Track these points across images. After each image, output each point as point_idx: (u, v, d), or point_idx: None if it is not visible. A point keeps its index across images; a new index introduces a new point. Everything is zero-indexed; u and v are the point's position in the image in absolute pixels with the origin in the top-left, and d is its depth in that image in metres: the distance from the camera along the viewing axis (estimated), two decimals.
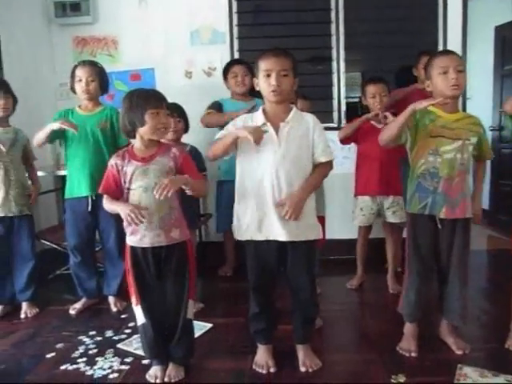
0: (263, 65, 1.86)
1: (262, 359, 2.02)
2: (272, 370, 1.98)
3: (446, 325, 2.17)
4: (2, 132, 2.67)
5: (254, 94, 3.25)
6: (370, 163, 2.87)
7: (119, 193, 1.91)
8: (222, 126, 3.15)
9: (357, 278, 3.05)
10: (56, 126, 2.52)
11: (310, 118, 1.94)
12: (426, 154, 2.02)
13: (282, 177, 1.86)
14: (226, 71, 3.26)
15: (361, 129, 2.88)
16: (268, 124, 1.88)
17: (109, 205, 1.91)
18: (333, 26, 3.61)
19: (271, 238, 1.90)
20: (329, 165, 1.97)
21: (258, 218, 1.90)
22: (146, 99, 1.86)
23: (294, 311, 2.03)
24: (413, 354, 2.07)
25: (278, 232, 1.89)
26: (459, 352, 2.08)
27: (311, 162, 1.92)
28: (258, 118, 1.92)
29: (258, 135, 1.79)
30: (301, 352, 2.04)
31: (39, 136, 2.61)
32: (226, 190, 3.18)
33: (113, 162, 1.91)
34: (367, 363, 2.05)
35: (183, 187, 1.83)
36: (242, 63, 3.25)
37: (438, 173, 2.00)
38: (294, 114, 1.92)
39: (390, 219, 2.89)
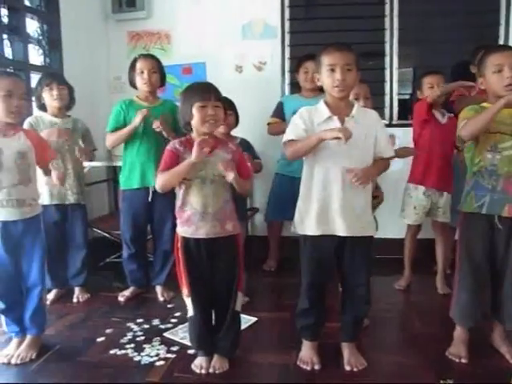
0: (327, 59, 1.84)
1: (307, 355, 2.01)
2: (316, 366, 1.97)
3: (500, 332, 2.08)
4: (60, 123, 2.77)
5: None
6: (430, 155, 2.78)
7: None
8: None
9: (404, 278, 2.98)
10: (137, 121, 2.61)
11: (374, 114, 1.94)
12: (483, 151, 1.94)
13: (342, 177, 1.85)
14: (298, 67, 3.24)
15: (426, 121, 2.78)
16: (335, 118, 1.86)
17: (167, 175, 1.88)
18: (387, 20, 3.52)
19: (330, 233, 1.89)
20: (388, 161, 1.94)
21: (319, 212, 1.89)
22: (193, 92, 1.90)
23: (344, 308, 2.02)
24: (463, 360, 2.01)
25: (338, 227, 1.88)
26: None
27: (372, 158, 1.90)
28: (321, 110, 1.90)
29: (347, 134, 1.74)
30: (346, 350, 2.02)
31: (119, 137, 2.70)
32: (279, 183, 3.23)
33: (173, 146, 1.93)
34: (414, 366, 2.00)
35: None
36: (313, 58, 3.20)
37: (497, 170, 1.91)
38: (358, 108, 1.91)
39: (439, 218, 2.82)
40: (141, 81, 2.73)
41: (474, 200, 1.97)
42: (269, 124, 3.26)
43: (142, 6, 3.67)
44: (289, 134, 1.91)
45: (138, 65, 2.73)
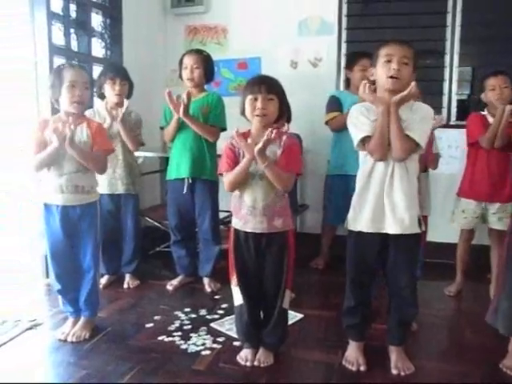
0: (384, 51, 1.81)
1: (353, 356, 1.99)
2: (362, 368, 1.95)
3: None
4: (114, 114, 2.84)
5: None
6: (481, 165, 2.69)
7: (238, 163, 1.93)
8: None
9: (455, 284, 2.89)
10: (175, 114, 2.68)
11: (427, 109, 1.88)
12: None
13: (397, 167, 1.84)
14: (353, 62, 3.15)
15: (482, 125, 2.67)
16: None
17: (231, 176, 1.89)
18: (448, 16, 3.40)
19: (382, 231, 1.87)
20: (412, 142, 1.81)
21: (373, 210, 1.87)
22: (247, 85, 1.92)
23: (391, 310, 1.98)
24: None
25: (387, 224, 1.86)
26: None
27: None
28: (373, 109, 1.87)
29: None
30: (394, 354, 1.98)
31: (169, 130, 2.78)
32: (335, 185, 3.17)
33: (229, 143, 1.95)
34: (463, 375, 1.94)
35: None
36: (371, 57, 3.14)
37: None
38: (412, 103, 1.86)
39: (494, 225, 2.71)
40: (185, 76, 2.80)
41: None
42: (331, 119, 3.14)
43: (201, 0, 3.73)
44: (361, 132, 1.86)
45: (184, 60, 2.80)
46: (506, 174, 2.66)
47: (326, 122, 3.18)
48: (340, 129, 3.10)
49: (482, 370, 1.97)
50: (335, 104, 3.16)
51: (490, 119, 2.67)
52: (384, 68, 1.81)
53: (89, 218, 2.21)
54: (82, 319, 2.28)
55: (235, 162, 1.91)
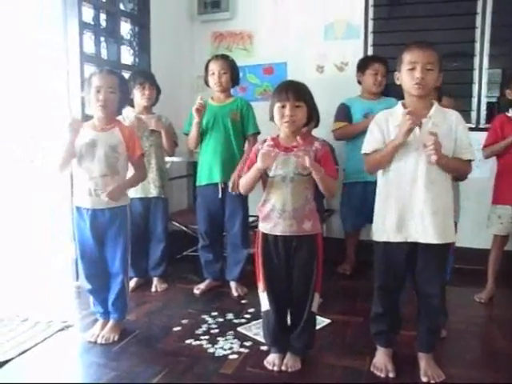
0: (408, 57, 1.80)
1: (381, 362, 1.97)
2: (391, 374, 1.93)
3: None
4: (144, 118, 2.91)
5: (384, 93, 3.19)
6: (511, 168, 2.63)
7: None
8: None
9: (486, 291, 2.82)
10: (194, 118, 2.73)
11: (454, 115, 1.86)
12: None
13: (424, 175, 1.80)
14: (365, 66, 3.18)
15: (505, 128, 2.64)
16: None
17: (244, 178, 1.97)
18: (478, 18, 3.34)
19: (410, 240, 1.85)
20: (469, 164, 1.87)
21: (399, 219, 1.85)
22: (275, 92, 1.93)
23: (419, 317, 1.95)
24: None
25: (417, 233, 1.83)
26: None
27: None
28: (398, 113, 1.86)
29: (413, 118, 1.74)
30: (423, 361, 1.95)
31: (191, 136, 2.84)
32: (351, 192, 3.17)
33: (259, 146, 1.98)
34: (494, 383, 1.89)
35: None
36: (383, 61, 3.15)
37: None
38: (436, 109, 1.84)
39: None
40: (212, 81, 2.83)
41: None
42: (337, 129, 3.20)
43: (227, 7, 3.76)
44: (366, 146, 1.91)
45: (210, 66, 2.83)
46: None
47: (333, 131, 3.21)
48: (344, 139, 3.11)
49: None
50: (343, 113, 3.20)
51: None
52: (408, 76, 1.80)
53: (118, 222, 2.25)
54: (111, 322, 2.32)
55: None
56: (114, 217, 2.24)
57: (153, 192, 2.91)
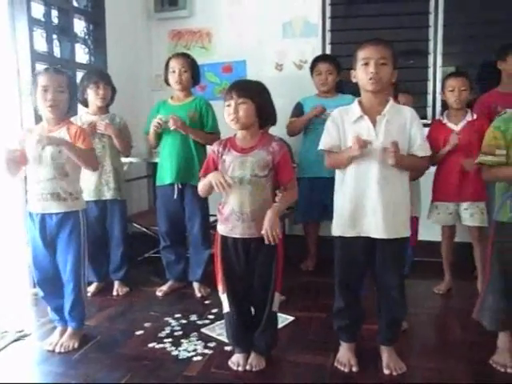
0: (361, 54, 1.82)
1: (345, 357, 1.99)
2: (354, 369, 1.95)
3: None
4: (97, 119, 2.82)
5: (341, 90, 3.23)
6: (449, 170, 2.72)
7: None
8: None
9: (444, 283, 2.90)
10: (151, 130, 2.73)
11: (408, 112, 1.89)
12: None
13: (377, 172, 1.83)
14: (312, 67, 3.23)
15: (440, 134, 2.72)
16: (366, 117, 1.85)
17: (201, 184, 1.96)
18: (431, 17, 3.43)
19: (363, 235, 1.88)
20: (425, 160, 1.91)
21: (353, 214, 1.87)
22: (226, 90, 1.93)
23: (380, 311, 1.98)
24: (509, 370, 1.93)
25: (370, 228, 1.86)
26: None
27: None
28: (353, 110, 1.89)
29: (360, 143, 1.78)
30: (385, 354, 1.98)
31: (149, 138, 2.82)
32: (302, 187, 3.18)
33: (215, 148, 1.96)
34: (454, 373, 1.95)
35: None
36: (328, 60, 3.20)
37: None
38: (391, 106, 1.87)
39: (466, 222, 2.74)
40: (172, 79, 2.79)
41: (509, 209, 1.89)
42: (287, 125, 3.22)
43: (184, 4, 3.71)
44: (322, 143, 1.93)
45: (171, 64, 2.79)
46: (469, 173, 2.66)
47: (286, 128, 3.24)
48: (294, 134, 3.15)
49: (473, 367, 1.98)
50: (296, 110, 3.24)
51: (450, 125, 2.72)
52: (363, 72, 1.82)
53: (69, 226, 2.17)
54: (70, 329, 2.24)
55: (214, 169, 1.93)
56: (64, 222, 2.16)
57: (107, 195, 2.83)
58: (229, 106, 1.87)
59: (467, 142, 2.61)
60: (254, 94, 1.89)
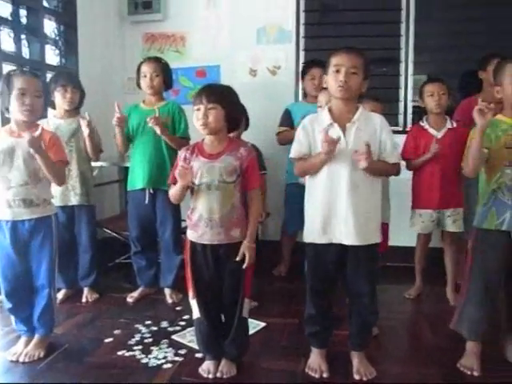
0: (334, 60, 1.84)
1: (316, 363, 1.99)
2: (325, 374, 1.95)
3: None
4: (64, 124, 2.76)
5: None
6: (431, 177, 2.74)
7: None
8: None
9: (415, 287, 2.94)
10: (116, 128, 2.69)
11: (378, 119, 1.91)
12: (501, 167, 1.90)
13: (347, 179, 1.83)
14: (304, 71, 3.23)
15: (421, 139, 2.75)
16: (335, 125, 1.86)
17: (172, 191, 1.94)
18: (402, 26, 3.50)
19: (334, 241, 1.88)
20: (395, 167, 1.93)
21: (324, 221, 1.88)
22: (194, 96, 1.91)
23: (351, 317, 1.99)
24: (475, 373, 1.96)
25: (341, 235, 1.86)
26: None
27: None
28: (324, 117, 1.90)
29: (330, 147, 1.78)
30: (355, 359, 1.99)
31: (117, 141, 2.76)
32: (293, 193, 3.19)
33: (182, 153, 1.95)
34: (424, 377, 1.97)
35: None
36: (321, 66, 3.20)
37: None
38: (361, 113, 1.88)
39: (449, 228, 2.77)
40: (144, 84, 2.76)
41: (496, 216, 1.92)
42: (278, 133, 3.24)
43: (158, 8, 3.69)
44: (293, 151, 1.94)
45: (142, 68, 2.76)
46: (455, 180, 2.71)
47: (276, 134, 3.24)
48: (286, 143, 3.16)
49: (442, 371, 2.00)
50: (285, 118, 3.24)
51: (432, 131, 2.74)
52: (333, 78, 1.83)
53: (42, 232, 2.11)
54: (36, 337, 2.17)
55: None
56: (37, 227, 2.10)
57: (73, 200, 2.76)
58: (198, 110, 1.86)
59: (448, 150, 2.63)
60: (224, 99, 1.88)
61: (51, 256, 2.14)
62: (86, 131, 2.69)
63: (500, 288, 2.01)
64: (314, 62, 3.26)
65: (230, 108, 1.89)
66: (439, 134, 2.72)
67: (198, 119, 1.85)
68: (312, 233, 1.92)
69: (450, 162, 2.62)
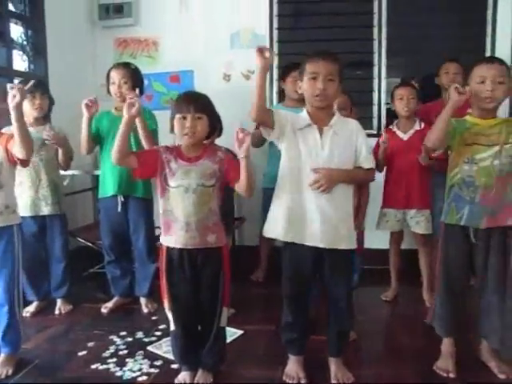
0: (310, 67, 1.83)
1: (293, 370, 1.97)
2: (302, 381, 1.94)
3: (488, 346, 2.06)
4: (33, 132, 2.68)
5: None
6: (397, 176, 2.79)
7: (152, 168, 1.87)
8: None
9: (391, 290, 2.96)
10: (85, 113, 2.59)
11: (354, 124, 1.92)
12: (460, 163, 1.95)
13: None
14: (286, 74, 3.17)
15: (390, 142, 2.76)
16: (315, 126, 1.86)
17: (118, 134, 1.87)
18: (375, 31, 3.53)
19: (300, 242, 1.87)
20: (370, 173, 1.94)
21: (292, 218, 1.86)
22: (177, 103, 1.88)
23: (329, 323, 1.98)
24: (451, 375, 1.98)
25: (311, 236, 1.85)
26: (502, 376, 1.97)
27: (352, 167, 1.90)
28: (303, 117, 1.90)
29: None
30: (333, 365, 1.98)
31: (82, 137, 2.66)
32: (270, 197, 3.15)
33: (161, 149, 1.90)
34: (402, 379, 1.97)
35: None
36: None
37: (475, 182, 1.92)
38: (338, 118, 1.89)
39: (414, 229, 2.81)
40: (113, 91, 2.71)
41: (456, 211, 1.97)
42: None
43: (130, 12, 3.63)
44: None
45: (111, 75, 2.71)
46: (421, 181, 2.75)
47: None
48: (256, 144, 3.11)
49: (420, 373, 2.02)
50: None
51: (399, 133, 2.80)
52: (310, 86, 1.82)
53: (3, 244, 2.03)
54: (2, 356, 2.09)
55: (151, 163, 1.87)
56: None
57: (45, 210, 2.69)
58: (184, 118, 1.83)
59: (415, 152, 2.65)
60: (209, 108, 1.90)
61: (12, 270, 2.05)
62: (52, 143, 2.63)
63: (466, 285, 2.05)
64: (295, 64, 3.23)
65: (213, 117, 1.91)
66: (405, 136, 2.78)
67: (185, 128, 1.82)
68: (274, 228, 1.90)
69: (417, 163, 2.66)
